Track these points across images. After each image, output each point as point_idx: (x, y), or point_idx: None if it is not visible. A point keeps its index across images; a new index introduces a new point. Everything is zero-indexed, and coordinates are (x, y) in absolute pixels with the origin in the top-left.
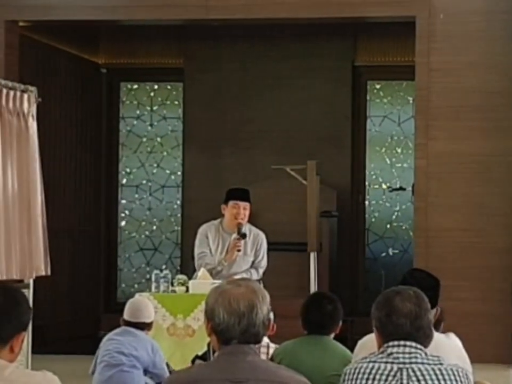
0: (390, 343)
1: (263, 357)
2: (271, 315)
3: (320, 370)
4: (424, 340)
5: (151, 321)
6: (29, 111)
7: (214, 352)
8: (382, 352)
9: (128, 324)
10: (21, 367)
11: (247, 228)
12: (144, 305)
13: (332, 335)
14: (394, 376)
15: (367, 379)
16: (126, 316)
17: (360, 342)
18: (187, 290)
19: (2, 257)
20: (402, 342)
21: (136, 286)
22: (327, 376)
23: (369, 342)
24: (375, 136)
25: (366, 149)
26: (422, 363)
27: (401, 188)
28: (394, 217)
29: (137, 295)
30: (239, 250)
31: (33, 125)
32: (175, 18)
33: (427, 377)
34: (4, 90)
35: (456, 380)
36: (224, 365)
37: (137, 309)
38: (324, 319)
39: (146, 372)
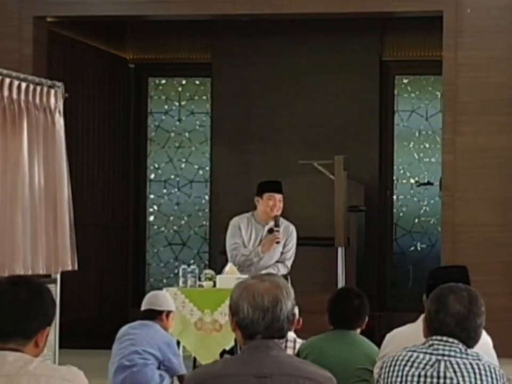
0: (434, 337)
1: (290, 351)
2: (296, 310)
3: (346, 365)
4: (467, 341)
5: (168, 310)
6: (55, 106)
7: (241, 347)
8: (424, 344)
9: (144, 311)
10: (49, 361)
11: (279, 220)
12: (157, 294)
13: (358, 330)
14: (432, 366)
15: (405, 365)
16: (143, 305)
17: (388, 335)
18: (214, 285)
19: (28, 252)
20: (445, 338)
21: (164, 280)
22: (353, 370)
23: (398, 335)
24: (403, 131)
25: (393, 144)
26: (461, 357)
27: (428, 183)
28: (422, 211)
29: (164, 290)
30: (277, 243)
31: (60, 121)
32: (202, 14)
33: (464, 370)
34: (31, 86)
35: (492, 377)
36: (249, 360)
37: (153, 297)
38: (350, 314)
39: (161, 364)
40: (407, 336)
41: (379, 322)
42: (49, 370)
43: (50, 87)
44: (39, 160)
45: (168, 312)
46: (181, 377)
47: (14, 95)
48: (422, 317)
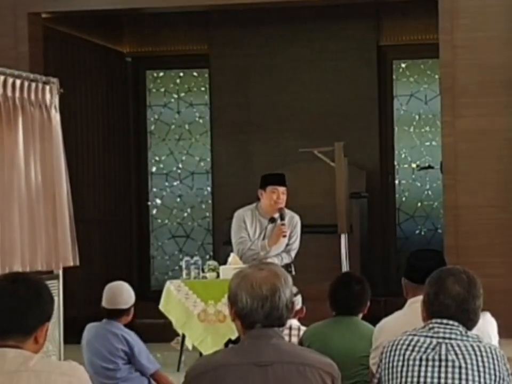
0: (433, 320)
1: (295, 340)
2: (299, 298)
3: (350, 352)
4: (467, 323)
5: (129, 307)
6: (51, 102)
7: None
8: (424, 327)
9: (106, 311)
10: (54, 357)
11: (284, 213)
12: (119, 291)
13: (360, 316)
14: (433, 349)
15: (406, 350)
16: (104, 302)
17: (378, 326)
18: (218, 276)
19: (26, 249)
20: (445, 321)
21: (169, 273)
22: (358, 358)
23: (387, 324)
24: (403, 116)
25: (393, 129)
26: (462, 340)
27: (429, 167)
28: (424, 195)
29: (168, 282)
30: (284, 236)
31: (56, 116)
32: (197, 4)
33: (465, 352)
34: (26, 83)
35: (493, 358)
36: (249, 349)
37: (113, 296)
38: (352, 299)
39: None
40: (397, 324)
41: (384, 307)
42: (50, 366)
43: (45, 83)
44: (35, 157)
45: (132, 306)
46: (155, 377)
47: (9, 92)
48: (409, 302)
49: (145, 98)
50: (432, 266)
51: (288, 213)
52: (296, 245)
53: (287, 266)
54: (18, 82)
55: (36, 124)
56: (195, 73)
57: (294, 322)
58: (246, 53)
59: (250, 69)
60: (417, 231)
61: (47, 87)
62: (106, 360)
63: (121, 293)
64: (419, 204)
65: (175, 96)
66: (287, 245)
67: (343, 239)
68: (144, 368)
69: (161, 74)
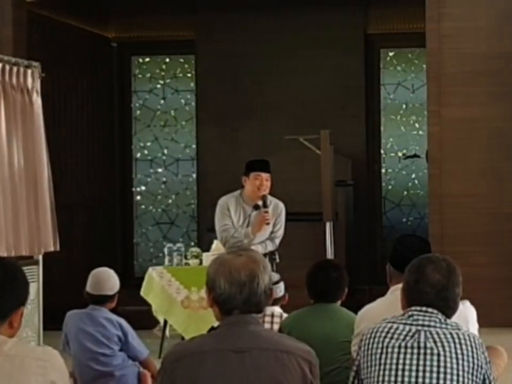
0: (413, 308)
1: (276, 327)
2: (282, 285)
3: (330, 340)
4: (447, 311)
5: (114, 294)
6: (33, 86)
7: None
8: (403, 315)
9: (91, 296)
10: (33, 343)
11: (267, 200)
12: (106, 277)
13: (339, 303)
14: (412, 336)
15: (385, 337)
16: (88, 288)
17: (360, 313)
18: (201, 263)
19: (10, 234)
20: (424, 308)
21: (153, 260)
22: (338, 344)
23: (369, 311)
24: (390, 104)
25: (380, 117)
26: (441, 327)
27: (415, 155)
28: (410, 184)
29: (150, 269)
30: (267, 224)
31: (37, 101)
32: None
33: (444, 340)
34: (7, 67)
35: (472, 346)
36: (227, 335)
37: (99, 281)
38: (330, 287)
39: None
40: (379, 311)
41: (369, 295)
42: (24, 351)
43: (27, 67)
44: (18, 141)
45: (117, 292)
46: (146, 362)
47: None
48: (391, 289)
49: (130, 84)
50: (417, 256)
51: (273, 201)
52: (280, 233)
53: (271, 254)
54: None
55: (18, 108)
56: (181, 59)
57: (277, 309)
58: (233, 39)
59: (237, 56)
60: (403, 220)
61: (29, 71)
62: (102, 345)
63: (108, 279)
64: (405, 193)
65: (161, 82)
66: (272, 232)
67: (328, 227)
68: (138, 353)
69: (146, 59)
